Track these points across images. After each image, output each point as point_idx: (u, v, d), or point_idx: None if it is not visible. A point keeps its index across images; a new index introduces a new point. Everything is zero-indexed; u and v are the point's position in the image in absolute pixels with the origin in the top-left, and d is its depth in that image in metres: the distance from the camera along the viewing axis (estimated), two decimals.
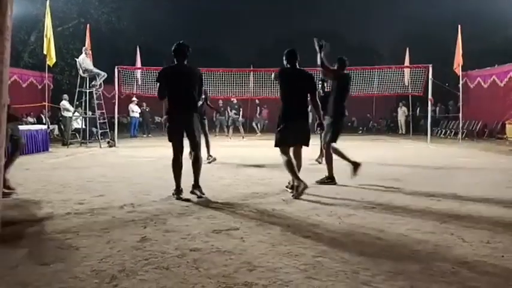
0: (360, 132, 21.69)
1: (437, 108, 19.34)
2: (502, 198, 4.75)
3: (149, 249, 2.97)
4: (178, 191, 4.73)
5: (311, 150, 7.49)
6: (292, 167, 4.71)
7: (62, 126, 13.88)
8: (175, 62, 4.79)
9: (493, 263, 2.73)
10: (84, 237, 3.24)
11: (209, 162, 7.55)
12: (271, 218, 3.86)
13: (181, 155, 4.76)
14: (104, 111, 12.83)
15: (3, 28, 1.68)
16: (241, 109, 16.89)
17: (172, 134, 4.73)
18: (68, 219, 3.78)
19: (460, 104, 14.77)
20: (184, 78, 4.75)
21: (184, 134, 4.76)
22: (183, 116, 4.71)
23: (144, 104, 17.94)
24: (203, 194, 4.73)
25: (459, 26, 13.80)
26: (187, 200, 4.60)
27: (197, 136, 4.81)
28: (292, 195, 4.72)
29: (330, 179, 5.67)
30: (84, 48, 12.61)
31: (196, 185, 4.79)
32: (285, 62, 4.99)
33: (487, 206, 4.36)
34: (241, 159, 8.55)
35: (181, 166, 4.76)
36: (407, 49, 17.95)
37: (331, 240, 3.19)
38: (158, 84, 4.76)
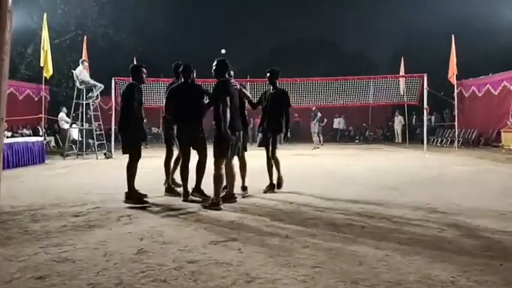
0: (357, 141, 21.74)
1: (433, 117, 19.46)
2: (499, 206, 4.76)
3: (146, 261, 2.94)
4: (184, 193, 5.13)
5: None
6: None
7: (59, 138, 13.82)
8: (183, 80, 5.26)
9: (491, 272, 2.72)
10: (80, 250, 3.21)
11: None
12: (269, 228, 3.84)
13: (188, 161, 5.14)
14: (101, 122, 12.81)
15: (2, 43, 1.69)
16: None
17: (180, 142, 5.19)
18: (64, 232, 3.75)
19: (456, 112, 14.87)
20: (188, 94, 5.14)
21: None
22: (188, 127, 5.11)
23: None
24: (205, 196, 5.00)
25: (452, 36, 13.97)
26: (193, 201, 4.95)
27: (200, 144, 5.15)
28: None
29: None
30: (81, 60, 12.64)
31: (195, 189, 5.09)
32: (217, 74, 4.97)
33: (485, 214, 4.36)
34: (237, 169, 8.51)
35: (188, 171, 5.14)
36: (402, 59, 18.12)
37: (329, 250, 3.18)
38: (166, 99, 5.34)
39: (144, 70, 5.29)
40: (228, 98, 4.70)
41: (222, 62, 4.96)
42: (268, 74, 5.84)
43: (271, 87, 5.85)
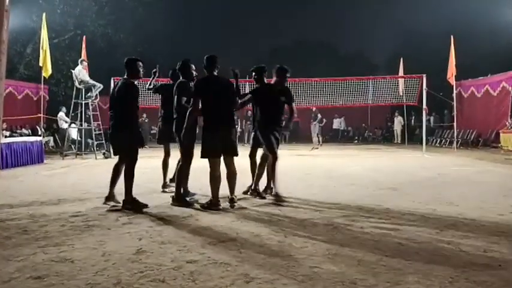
0: (356, 141, 21.77)
1: (432, 118, 19.50)
2: (497, 206, 4.76)
3: (145, 261, 2.94)
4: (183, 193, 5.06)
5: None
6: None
7: (58, 138, 13.80)
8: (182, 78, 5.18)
9: (490, 272, 2.72)
10: (79, 250, 3.20)
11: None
12: (268, 228, 3.84)
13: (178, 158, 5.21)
14: (100, 122, 12.79)
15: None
16: (238, 120, 16.94)
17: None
18: (63, 232, 3.74)
19: (454, 113, 14.90)
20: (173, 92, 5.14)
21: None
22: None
23: (144, 115, 17.99)
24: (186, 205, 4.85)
25: (452, 36, 14.00)
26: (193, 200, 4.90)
27: (183, 142, 4.96)
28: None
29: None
30: (81, 59, 12.63)
31: (175, 196, 5.00)
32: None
33: (483, 214, 4.37)
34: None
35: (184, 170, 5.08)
36: (401, 59, 18.13)
37: (328, 250, 3.18)
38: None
39: (141, 64, 4.93)
40: (198, 98, 4.59)
41: (207, 58, 4.75)
42: (253, 74, 5.53)
43: (260, 85, 5.56)
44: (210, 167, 4.69)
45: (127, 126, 4.76)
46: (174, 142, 5.39)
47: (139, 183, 6.71)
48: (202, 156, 4.70)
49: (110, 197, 4.89)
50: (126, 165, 4.80)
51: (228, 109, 4.78)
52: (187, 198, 5.01)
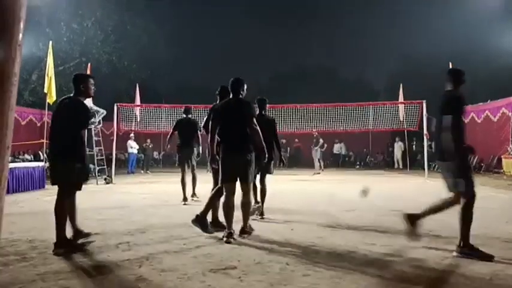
0: (357, 167, 21.72)
1: (434, 143, 19.51)
2: (501, 233, 4.71)
3: None
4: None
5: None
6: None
7: None
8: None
9: None
10: (78, 278, 3.15)
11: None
12: (270, 255, 3.79)
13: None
14: (102, 147, 12.84)
15: (11, 74, 1.75)
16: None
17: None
18: (62, 259, 3.70)
19: None
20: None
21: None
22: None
23: (149, 141, 18.05)
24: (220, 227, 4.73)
25: (450, 63, 14.23)
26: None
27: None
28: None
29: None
30: None
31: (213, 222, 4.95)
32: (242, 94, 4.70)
33: (488, 241, 4.32)
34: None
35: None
36: (401, 85, 18.36)
37: (331, 279, 3.12)
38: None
39: (92, 81, 4.30)
40: (213, 122, 4.58)
41: (231, 81, 4.69)
42: (257, 104, 5.80)
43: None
44: (224, 193, 4.55)
45: (79, 153, 4.21)
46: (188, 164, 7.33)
47: (141, 208, 6.70)
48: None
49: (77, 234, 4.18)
50: (60, 199, 4.03)
51: (242, 135, 4.51)
52: None
